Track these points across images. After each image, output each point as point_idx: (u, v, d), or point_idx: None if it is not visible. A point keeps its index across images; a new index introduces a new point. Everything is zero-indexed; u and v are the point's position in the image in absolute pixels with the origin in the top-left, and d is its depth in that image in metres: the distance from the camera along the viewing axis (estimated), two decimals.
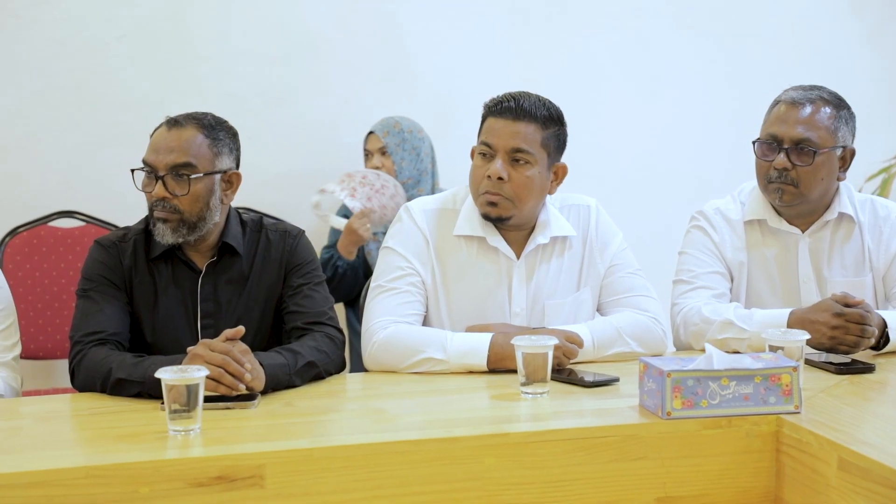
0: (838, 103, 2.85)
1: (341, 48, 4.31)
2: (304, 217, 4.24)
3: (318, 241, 4.00)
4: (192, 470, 1.92)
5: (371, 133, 4.13)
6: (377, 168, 4.06)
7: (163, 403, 2.08)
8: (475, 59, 4.46)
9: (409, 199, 3.92)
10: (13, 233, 3.82)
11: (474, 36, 4.47)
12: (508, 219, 2.70)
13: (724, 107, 4.72)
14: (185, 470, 1.91)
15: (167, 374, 2.04)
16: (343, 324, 4.08)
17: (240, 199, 3.83)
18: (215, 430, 2.09)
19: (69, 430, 2.24)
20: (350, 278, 3.95)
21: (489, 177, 2.67)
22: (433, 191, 4.11)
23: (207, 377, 2.12)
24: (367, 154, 4.14)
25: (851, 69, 4.82)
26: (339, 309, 4.11)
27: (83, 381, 2.45)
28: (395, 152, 4.07)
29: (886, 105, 4.88)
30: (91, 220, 3.90)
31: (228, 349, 2.27)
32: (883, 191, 4.56)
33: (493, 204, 2.68)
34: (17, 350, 2.68)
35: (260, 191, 4.14)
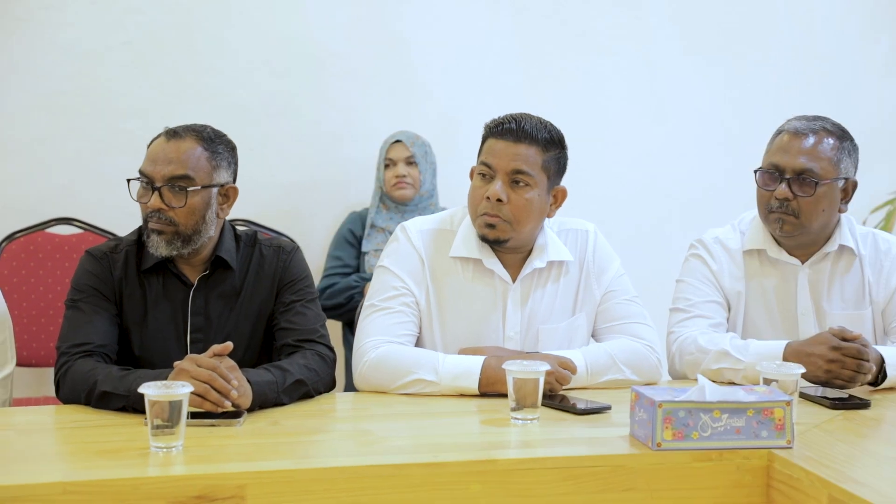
0: (841, 134, 2.83)
1: (345, 61, 4.30)
2: (305, 227, 4.25)
3: (312, 258, 3.99)
4: (171, 488, 1.89)
5: (397, 142, 4.09)
6: (402, 177, 4.03)
7: (147, 418, 2.06)
8: (480, 78, 4.46)
9: (422, 212, 3.91)
10: (10, 238, 3.81)
11: (479, 54, 4.46)
12: (506, 241, 2.68)
13: (729, 134, 4.70)
14: (165, 488, 1.89)
15: (150, 390, 2.02)
16: (340, 342, 4.06)
17: (241, 210, 3.84)
18: (198, 447, 2.06)
19: (50, 444, 2.21)
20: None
21: (488, 198, 2.64)
22: (436, 208, 4.09)
23: (193, 393, 2.10)
24: (389, 163, 4.09)
25: (858, 99, 4.79)
26: (337, 327, 4.09)
27: (68, 393, 2.42)
28: (421, 163, 4.07)
29: (893, 136, 4.85)
30: (89, 228, 3.89)
31: (215, 365, 2.24)
32: (888, 223, 4.52)
33: (491, 226, 2.66)
34: (9, 368, 2.63)
35: (262, 202, 4.14)
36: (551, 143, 2.68)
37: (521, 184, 2.65)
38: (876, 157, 4.39)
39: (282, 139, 4.26)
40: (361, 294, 3.88)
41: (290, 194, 4.27)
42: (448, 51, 4.43)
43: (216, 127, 2.65)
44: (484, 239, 2.70)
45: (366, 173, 4.23)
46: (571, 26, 4.54)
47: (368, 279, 3.87)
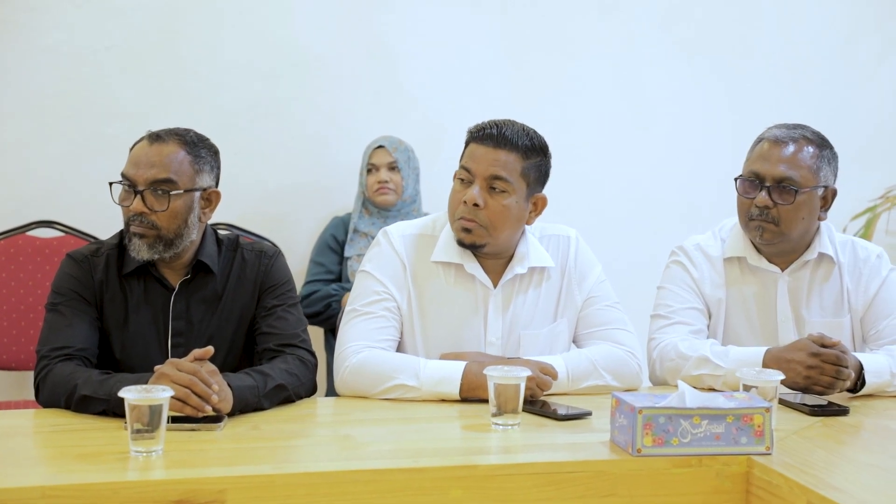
0: (821, 143, 2.84)
1: (330, 66, 4.30)
2: (290, 232, 4.23)
3: (296, 262, 3.99)
4: (151, 493, 1.88)
5: (380, 147, 4.09)
6: (384, 182, 4.03)
7: (127, 422, 2.05)
8: (465, 83, 4.46)
9: (405, 218, 3.90)
10: None
11: (465, 60, 4.46)
12: (482, 246, 2.68)
13: (714, 140, 4.71)
14: (145, 493, 1.88)
15: (130, 394, 2.01)
16: (322, 346, 4.06)
17: (225, 214, 3.83)
18: (178, 451, 2.06)
19: (29, 448, 2.20)
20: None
21: (465, 202, 2.65)
22: (419, 214, 4.10)
23: (174, 397, 2.09)
24: (372, 168, 4.09)
25: (845, 107, 4.81)
26: (319, 332, 4.08)
27: (48, 396, 2.41)
28: (404, 168, 4.07)
29: (878, 144, 4.87)
30: (70, 231, 3.87)
31: (196, 369, 2.24)
32: (867, 230, 4.54)
33: (467, 230, 2.66)
34: None
35: (246, 206, 4.13)
36: (532, 151, 2.68)
37: (499, 190, 2.65)
38: (857, 165, 4.41)
39: (267, 143, 4.25)
40: (339, 303, 3.88)
41: (275, 198, 4.26)
42: (434, 56, 4.43)
43: (201, 131, 2.65)
44: (460, 243, 2.70)
45: (351, 178, 4.22)
46: (557, 31, 4.54)
47: (348, 289, 3.86)
